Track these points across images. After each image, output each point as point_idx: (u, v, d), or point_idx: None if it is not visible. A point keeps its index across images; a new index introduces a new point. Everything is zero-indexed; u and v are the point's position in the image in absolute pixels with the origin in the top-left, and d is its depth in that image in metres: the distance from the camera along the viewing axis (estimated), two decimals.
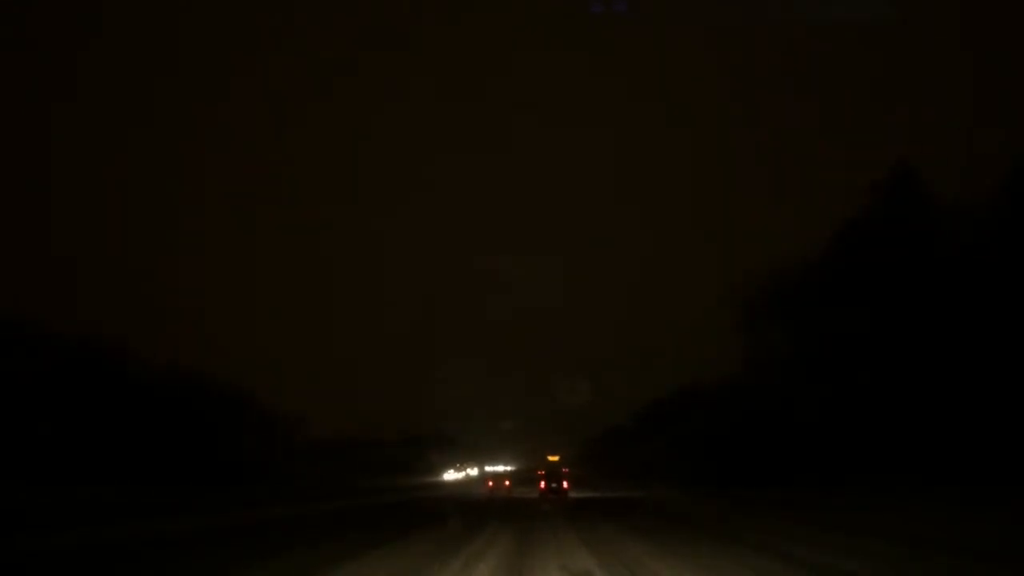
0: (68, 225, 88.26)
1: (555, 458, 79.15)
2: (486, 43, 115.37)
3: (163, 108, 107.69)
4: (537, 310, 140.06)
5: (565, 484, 38.13)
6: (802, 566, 10.82)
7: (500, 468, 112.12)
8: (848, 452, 26.72)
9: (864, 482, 24.27)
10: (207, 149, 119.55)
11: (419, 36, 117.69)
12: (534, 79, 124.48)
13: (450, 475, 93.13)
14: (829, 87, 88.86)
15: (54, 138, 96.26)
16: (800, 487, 27.95)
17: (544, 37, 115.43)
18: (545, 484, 38.42)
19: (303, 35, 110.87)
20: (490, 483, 53.22)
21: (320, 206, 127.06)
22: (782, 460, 31.98)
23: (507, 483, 49.39)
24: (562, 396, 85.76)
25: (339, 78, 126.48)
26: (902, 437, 24.34)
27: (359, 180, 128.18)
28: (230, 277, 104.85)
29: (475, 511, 26.19)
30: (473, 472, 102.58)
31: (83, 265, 79.76)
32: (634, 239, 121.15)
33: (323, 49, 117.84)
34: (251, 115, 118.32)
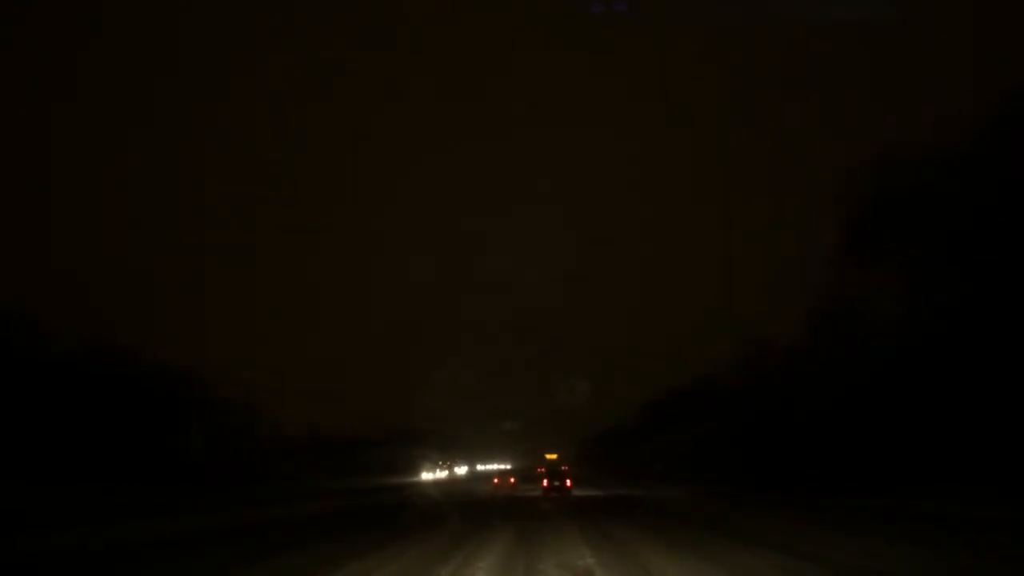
0: (68, 225, 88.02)
1: (553, 456, 79.19)
2: (486, 43, 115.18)
3: (163, 108, 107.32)
4: (537, 310, 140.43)
5: (568, 482, 37.99)
6: (801, 559, 11.20)
7: (493, 467, 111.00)
8: (853, 454, 26.42)
9: (868, 484, 24.25)
10: (207, 149, 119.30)
11: (419, 36, 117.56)
12: (534, 79, 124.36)
13: (430, 474, 78.83)
14: (829, 87, 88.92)
15: (54, 138, 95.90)
16: (801, 488, 27.99)
17: (544, 37, 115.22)
18: (548, 482, 38.32)
19: (303, 35, 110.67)
20: (495, 480, 53.49)
21: (320, 206, 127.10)
22: (782, 461, 31.98)
23: (512, 480, 49.63)
24: (562, 396, 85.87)
25: (339, 78, 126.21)
26: (911, 439, 24.04)
27: (359, 180, 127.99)
28: (229, 277, 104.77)
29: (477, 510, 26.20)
30: (461, 471, 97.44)
31: (82, 265, 79.87)
32: (634, 239, 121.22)
33: (323, 49, 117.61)
34: (251, 115, 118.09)
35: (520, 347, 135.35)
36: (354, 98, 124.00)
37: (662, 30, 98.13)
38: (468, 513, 24.22)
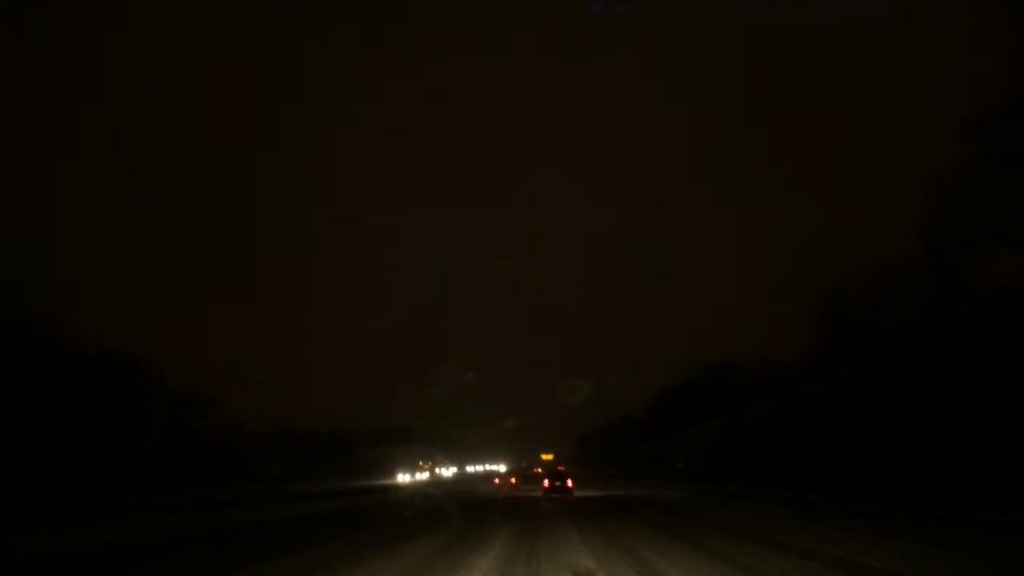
0: (66, 227, 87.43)
1: (549, 456, 79.34)
2: (486, 43, 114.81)
3: (164, 107, 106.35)
4: (538, 309, 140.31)
5: (569, 482, 37.87)
6: (807, 558, 11.13)
7: (483, 468, 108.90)
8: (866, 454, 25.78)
9: (876, 483, 23.99)
10: (207, 149, 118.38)
11: (418, 35, 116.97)
12: (534, 79, 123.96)
13: (406, 476, 69.25)
14: (830, 87, 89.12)
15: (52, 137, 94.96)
16: (808, 487, 27.86)
17: (544, 37, 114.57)
18: (549, 482, 38.21)
19: (303, 35, 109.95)
20: (496, 481, 53.55)
21: (322, 205, 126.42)
22: (788, 460, 31.73)
23: (513, 480, 49.86)
24: (562, 396, 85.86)
25: (339, 78, 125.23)
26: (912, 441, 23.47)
27: (359, 178, 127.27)
28: (227, 273, 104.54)
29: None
30: (447, 472, 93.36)
31: (81, 266, 79.72)
32: (635, 238, 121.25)
33: (323, 49, 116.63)
34: (251, 116, 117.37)
35: (522, 346, 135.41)
36: (354, 98, 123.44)
37: (662, 30, 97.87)
38: (465, 513, 23.98)
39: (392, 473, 70.68)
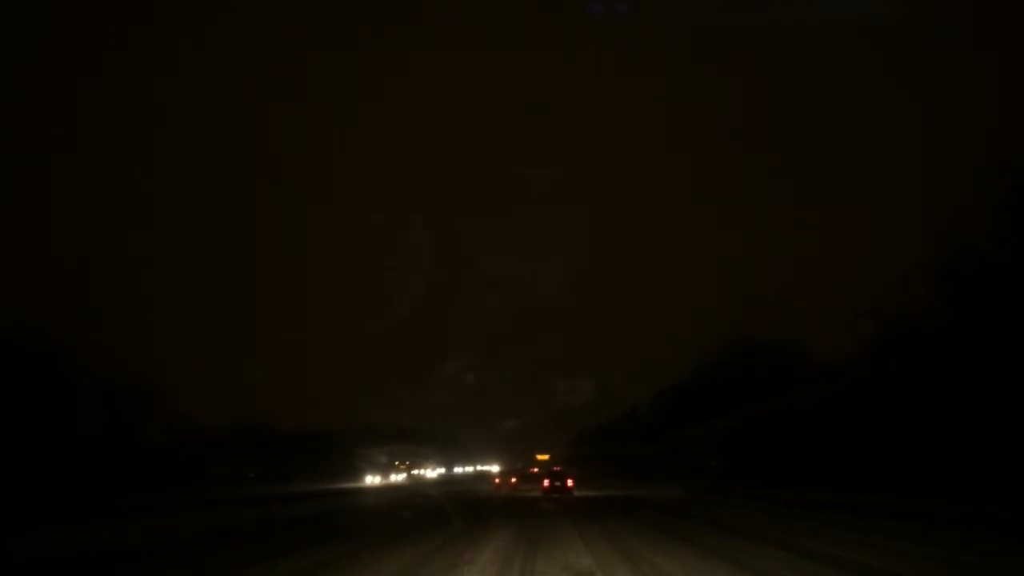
0: (65, 228, 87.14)
1: (545, 456, 79.13)
2: (485, 42, 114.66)
3: (164, 108, 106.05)
4: (538, 310, 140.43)
5: (569, 482, 38.09)
6: (808, 557, 11.11)
7: (472, 468, 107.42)
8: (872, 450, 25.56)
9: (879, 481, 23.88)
10: (207, 149, 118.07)
11: (416, 35, 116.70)
12: (534, 79, 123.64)
13: (377, 478, 63.98)
14: (831, 87, 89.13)
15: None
16: (814, 486, 27.80)
17: (545, 37, 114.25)
18: (548, 482, 38.37)
19: (303, 34, 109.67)
20: (496, 480, 53.49)
21: (322, 205, 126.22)
22: (794, 458, 31.64)
23: (513, 480, 50.02)
24: (562, 396, 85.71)
25: (338, 78, 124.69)
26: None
27: (359, 180, 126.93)
28: (225, 269, 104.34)
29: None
30: (432, 473, 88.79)
31: (79, 267, 79.51)
32: (635, 238, 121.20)
33: (324, 49, 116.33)
34: (251, 116, 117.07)
35: (521, 347, 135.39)
36: (353, 98, 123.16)
37: (662, 30, 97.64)
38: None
39: (360, 475, 64.56)
